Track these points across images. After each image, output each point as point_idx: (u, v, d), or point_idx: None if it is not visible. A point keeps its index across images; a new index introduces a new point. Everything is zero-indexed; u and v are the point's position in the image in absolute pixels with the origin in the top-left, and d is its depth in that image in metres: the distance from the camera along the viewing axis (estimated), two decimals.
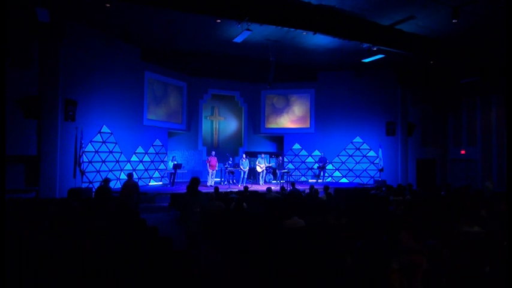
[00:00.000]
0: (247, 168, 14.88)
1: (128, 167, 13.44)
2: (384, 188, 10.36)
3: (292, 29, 10.50)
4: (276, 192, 10.86)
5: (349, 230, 5.65)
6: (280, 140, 18.31)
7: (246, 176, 14.88)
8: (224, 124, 18.19)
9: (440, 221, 5.76)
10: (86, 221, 5.52)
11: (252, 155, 16.64)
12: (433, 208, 7.38)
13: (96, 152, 12.09)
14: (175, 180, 14.62)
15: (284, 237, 5.46)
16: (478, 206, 6.80)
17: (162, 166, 15.37)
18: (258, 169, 15.30)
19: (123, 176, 12.75)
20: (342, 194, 11.91)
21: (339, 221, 6.25)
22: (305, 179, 17.19)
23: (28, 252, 3.83)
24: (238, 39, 10.77)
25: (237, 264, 6.21)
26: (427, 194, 10.49)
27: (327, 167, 16.57)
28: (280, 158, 15.69)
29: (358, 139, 16.79)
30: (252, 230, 6.33)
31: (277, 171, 14.85)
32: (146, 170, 14.50)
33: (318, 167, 16.54)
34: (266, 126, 18.12)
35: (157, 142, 15.16)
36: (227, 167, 14.85)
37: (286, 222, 5.96)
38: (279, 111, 18.09)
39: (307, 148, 17.45)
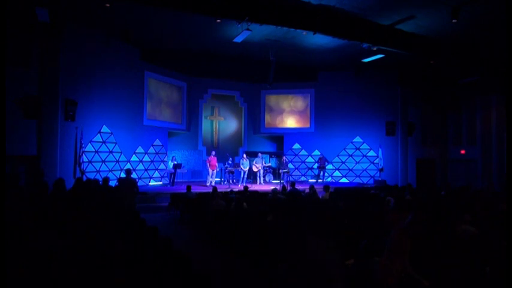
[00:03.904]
0: (247, 168, 14.89)
1: (128, 167, 13.44)
2: (382, 194, 10.27)
3: (292, 29, 10.50)
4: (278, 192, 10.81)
5: (349, 229, 5.66)
6: (280, 140, 18.31)
7: (246, 176, 14.89)
8: (224, 124, 18.19)
9: (440, 221, 5.76)
10: (86, 221, 5.52)
11: (253, 155, 16.64)
12: (433, 208, 7.39)
13: (96, 152, 12.09)
14: (175, 180, 14.61)
15: (284, 236, 5.46)
16: (477, 206, 6.81)
17: (162, 166, 15.36)
18: (254, 169, 15.31)
19: (123, 176, 12.75)
20: (341, 194, 11.89)
21: (338, 221, 6.26)
22: (305, 179, 17.20)
23: (27, 252, 3.83)
24: (238, 39, 10.77)
25: (237, 263, 6.22)
26: (427, 193, 10.48)
27: (326, 167, 16.57)
28: (284, 157, 15.63)
29: (358, 139, 16.79)
30: (251, 229, 6.33)
31: (280, 171, 14.84)
32: (146, 170, 14.50)
33: (318, 167, 16.55)
34: (266, 126, 18.12)
35: (157, 142, 15.16)
36: (227, 167, 14.85)
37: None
38: (279, 111, 18.09)
39: (307, 148, 17.45)
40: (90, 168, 11.74)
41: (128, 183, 8.74)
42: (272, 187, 11.56)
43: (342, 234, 5.35)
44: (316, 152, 17.15)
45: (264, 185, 14.85)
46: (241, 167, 14.69)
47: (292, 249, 4.85)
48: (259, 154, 15.59)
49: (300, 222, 6.05)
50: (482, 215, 6.13)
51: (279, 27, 10.30)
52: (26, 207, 5.76)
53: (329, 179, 16.78)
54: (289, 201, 9.06)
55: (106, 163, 12.53)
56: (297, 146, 17.63)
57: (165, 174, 15.27)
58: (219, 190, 10.16)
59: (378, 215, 6.62)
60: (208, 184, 14.36)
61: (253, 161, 15.60)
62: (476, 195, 9.34)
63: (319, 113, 17.37)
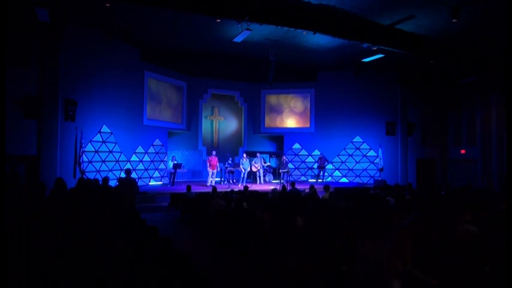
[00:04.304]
0: (248, 168, 14.88)
1: (128, 167, 13.44)
2: (382, 194, 10.30)
3: (292, 29, 10.50)
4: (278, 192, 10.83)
5: (349, 229, 5.65)
6: (280, 140, 18.31)
7: (246, 176, 14.89)
8: (224, 124, 18.19)
9: (440, 221, 5.76)
10: (86, 221, 5.52)
11: (253, 155, 16.64)
12: (433, 208, 7.39)
13: (96, 151, 12.09)
14: (175, 180, 14.62)
15: (284, 236, 5.47)
16: (477, 206, 6.80)
17: (162, 166, 15.37)
18: (253, 169, 15.32)
19: (124, 176, 12.75)
20: (341, 194, 11.89)
21: (337, 221, 6.25)
22: (305, 179, 17.20)
23: (27, 252, 3.83)
24: (238, 39, 10.78)
25: (237, 263, 6.22)
26: (427, 193, 10.48)
27: (326, 167, 16.57)
28: (284, 157, 15.62)
29: (358, 139, 16.79)
30: (251, 229, 6.33)
31: (280, 170, 14.85)
32: (146, 169, 14.50)
33: (318, 167, 16.55)
34: (266, 126, 18.12)
35: (157, 142, 15.16)
36: (227, 167, 14.85)
37: None
38: (279, 111, 18.09)
39: (307, 148, 17.45)
40: (90, 168, 11.74)
41: (128, 183, 8.72)
42: (272, 187, 11.57)
43: (342, 234, 5.35)
44: (316, 152, 17.16)
45: (264, 185, 14.86)
46: (241, 167, 14.68)
47: (291, 249, 4.86)
48: (258, 154, 15.59)
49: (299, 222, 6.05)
50: (482, 215, 6.13)
51: (279, 27, 10.30)
52: (26, 207, 5.75)
53: (329, 179, 16.78)
54: (286, 200, 9.10)
55: (106, 163, 12.53)
56: (297, 145, 17.63)
57: (165, 174, 15.27)
58: (219, 190, 10.17)
59: (378, 215, 6.61)
60: (208, 184, 14.35)
61: (252, 160, 15.60)
62: (476, 195, 9.34)
63: (319, 113, 17.37)
